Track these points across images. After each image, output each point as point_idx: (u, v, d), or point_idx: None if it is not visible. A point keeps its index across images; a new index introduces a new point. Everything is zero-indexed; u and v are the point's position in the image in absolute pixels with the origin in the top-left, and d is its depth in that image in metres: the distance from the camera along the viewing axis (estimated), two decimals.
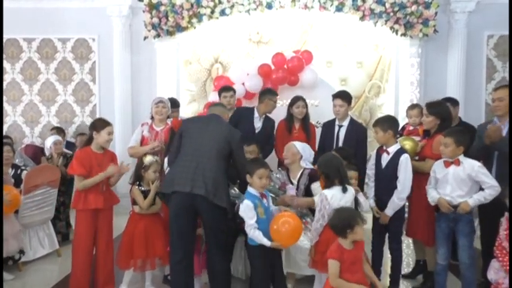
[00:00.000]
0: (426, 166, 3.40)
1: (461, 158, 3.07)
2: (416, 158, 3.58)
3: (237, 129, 4.32)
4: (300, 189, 3.56)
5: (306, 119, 4.42)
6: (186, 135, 3.19)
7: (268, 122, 4.49)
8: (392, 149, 3.31)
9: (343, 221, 2.55)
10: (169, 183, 3.08)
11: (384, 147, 3.37)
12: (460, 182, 3.04)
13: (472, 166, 3.01)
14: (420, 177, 3.35)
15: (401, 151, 3.30)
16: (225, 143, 3.10)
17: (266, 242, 2.81)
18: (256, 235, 2.83)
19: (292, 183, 3.63)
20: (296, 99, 4.40)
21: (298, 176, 3.61)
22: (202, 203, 2.96)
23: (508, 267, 2.53)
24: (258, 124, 4.44)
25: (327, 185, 2.97)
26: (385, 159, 3.35)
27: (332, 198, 2.90)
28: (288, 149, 3.69)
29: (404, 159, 3.24)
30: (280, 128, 4.50)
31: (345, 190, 2.93)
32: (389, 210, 3.28)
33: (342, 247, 2.54)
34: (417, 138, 3.72)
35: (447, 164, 3.09)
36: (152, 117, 4.15)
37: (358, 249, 2.58)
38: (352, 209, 2.87)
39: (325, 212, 2.90)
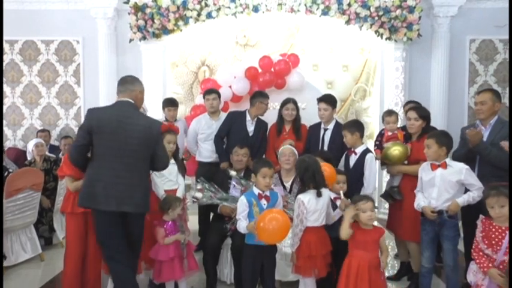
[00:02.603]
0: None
1: (448, 161, 3.12)
2: (405, 161, 3.63)
3: (231, 133, 4.40)
4: (293, 193, 3.59)
5: (296, 121, 4.40)
6: (99, 132, 2.78)
7: (260, 125, 4.49)
8: (359, 149, 3.60)
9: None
10: (88, 196, 2.80)
11: (352, 149, 3.61)
12: (447, 184, 3.08)
13: (460, 169, 3.07)
14: (414, 181, 3.37)
15: (367, 151, 3.57)
16: (152, 141, 2.85)
17: (242, 227, 2.91)
18: (238, 224, 2.96)
19: (284, 186, 3.67)
20: (286, 102, 4.39)
21: (292, 180, 3.67)
22: (131, 218, 2.86)
23: (483, 269, 2.57)
24: (250, 128, 4.43)
25: (302, 189, 3.00)
26: (353, 159, 3.60)
27: (309, 202, 2.94)
28: (291, 154, 3.73)
29: (369, 157, 3.54)
30: (271, 130, 4.52)
31: (319, 194, 2.96)
32: None
33: (357, 224, 2.82)
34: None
35: (434, 167, 3.13)
36: None
37: (373, 233, 2.80)
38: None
39: (303, 217, 2.93)
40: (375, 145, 4.00)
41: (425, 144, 3.16)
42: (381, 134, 4.02)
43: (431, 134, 3.18)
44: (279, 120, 4.44)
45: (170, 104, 4.61)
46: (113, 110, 2.93)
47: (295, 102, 4.39)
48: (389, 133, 3.88)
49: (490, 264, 2.55)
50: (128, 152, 2.79)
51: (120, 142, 2.78)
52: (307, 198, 2.93)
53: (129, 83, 3.01)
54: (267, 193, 3.00)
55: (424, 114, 3.60)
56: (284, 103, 4.40)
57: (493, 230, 2.59)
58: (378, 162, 3.82)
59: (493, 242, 2.57)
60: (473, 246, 2.71)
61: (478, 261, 2.63)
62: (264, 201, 2.97)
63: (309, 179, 2.96)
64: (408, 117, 3.65)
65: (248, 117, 4.44)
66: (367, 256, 2.76)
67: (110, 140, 2.79)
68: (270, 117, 4.65)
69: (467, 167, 3.10)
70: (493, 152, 3.28)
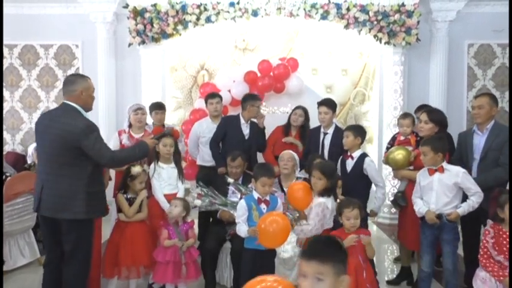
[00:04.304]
0: None
1: (445, 165, 3.12)
2: (411, 167, 3.62)
3: (227, 137, 4.39)
4: None
5: (304, 128, 4.54)
6: (36, 136, 2.83)
7: (253, 127, 4.52)
8: (356, 154, 3.60)
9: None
10: (34, 200, 2.82)
11: (349, 153, 3.62)
12: (445, 188, 3.07)
13: (457, 173, 3.06)
14: None
15: (364, 155, 3.60)
16: (72, 143, 2.66)
17: (243, 231, 2.91)
18: (238, 228, 2.97)
19: (284, 191, 3.66)
20: (296, 108, 4.62)
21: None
22: (65, 226, 2.74)
23: (499, 277, 2.54)
24: (246, 131, 4.46)
25: (326, 193, 2.94)
26: (350, 164, 3.61)
27: (330, 206, 2.96)
28: (289, 159, 3.75)
29: (369, 161, 3.58)
30: (277, 131, 4.59)
31: (335, 199, 3.01)
32: (378, 208, 3.59)
33: (343, 229, 2.84)
34: (409, 148, 3.72)
35: (431, 172, 3.13)
36: (130, 125, 4.15)
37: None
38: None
39: (324, 221, 2.92)
40: (386, 148, 3.99)
41: (421, 151, 3.16)
42: (393, 138, 4.00)
43: (425, 141, 3.16)
44: (287, 124, 4.61)
45: (157, 107, 4.60)
46: (49, 113, 2.94)
47: (305, 110, 4.56)
48: (402, 137, 3.85)
49: (507, 273, 2.51)
50: (54, 156, 2.72)
51: (45, 146, 2.77)
52: (330, 202, 2.93)
53: (69, 84, 2.86)
54: (267, 197, 3.01)
55: (435, 118, 3.50)
56: (294, 109, 4.62)
57: (504, 236, 2.57)
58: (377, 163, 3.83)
59: (504, 249, 2.54)
60: (481, 253, 2.69)
61: (490, 269, 2.59)
62: (263, 206, 2.97)
63: (334, 184, 2.99)
64: (420, 119, 3.62)
65: (242, 121, 4.46)
66: (352, 261, 2.70)
67: (41, 145, 2.81)
68: (267, 120, 4.69)
69: (464, 170, 3.10)
70: (488, 176, 3.29)
